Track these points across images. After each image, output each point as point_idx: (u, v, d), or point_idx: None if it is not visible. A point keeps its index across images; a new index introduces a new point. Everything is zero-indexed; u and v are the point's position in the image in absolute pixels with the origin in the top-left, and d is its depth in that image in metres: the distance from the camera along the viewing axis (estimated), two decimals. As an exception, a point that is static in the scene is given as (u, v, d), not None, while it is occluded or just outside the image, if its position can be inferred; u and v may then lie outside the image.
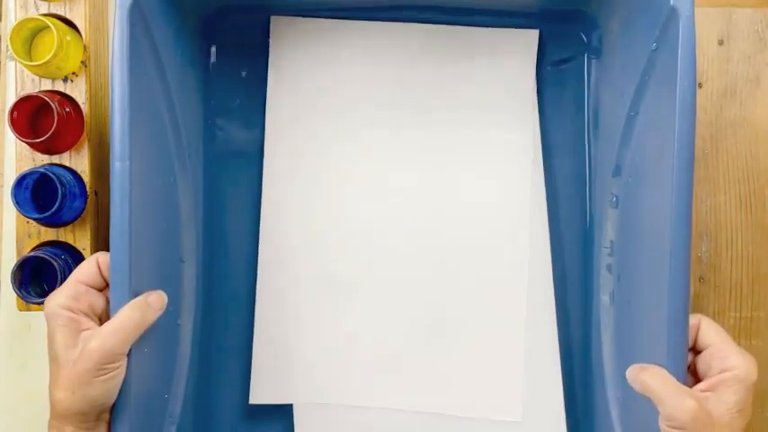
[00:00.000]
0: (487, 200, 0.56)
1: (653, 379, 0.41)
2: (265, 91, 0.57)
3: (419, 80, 0.56)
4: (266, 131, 0.56)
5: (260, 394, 0.55)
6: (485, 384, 0.55)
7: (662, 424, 0.41)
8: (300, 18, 0.56)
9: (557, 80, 0.57)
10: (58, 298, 0.43)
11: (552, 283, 0.56)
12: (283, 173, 0.56)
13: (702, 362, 0.43)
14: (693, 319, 0.43)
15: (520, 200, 0.56)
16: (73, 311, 0.42)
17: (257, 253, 0.56)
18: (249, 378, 0.56)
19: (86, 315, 0.43)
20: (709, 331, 0.43)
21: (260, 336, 0.55)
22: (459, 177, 0.56)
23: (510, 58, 0.56)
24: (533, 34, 0.56)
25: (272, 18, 0.56)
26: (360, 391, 0.55)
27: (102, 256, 0.44)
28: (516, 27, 0.56)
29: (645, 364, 0.43)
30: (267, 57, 0.57)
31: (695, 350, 0.44)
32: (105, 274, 0.44)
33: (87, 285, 0.44)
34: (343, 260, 0.56)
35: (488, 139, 0.56)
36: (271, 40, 0.56)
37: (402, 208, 0.56)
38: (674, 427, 0.40)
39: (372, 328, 0.55)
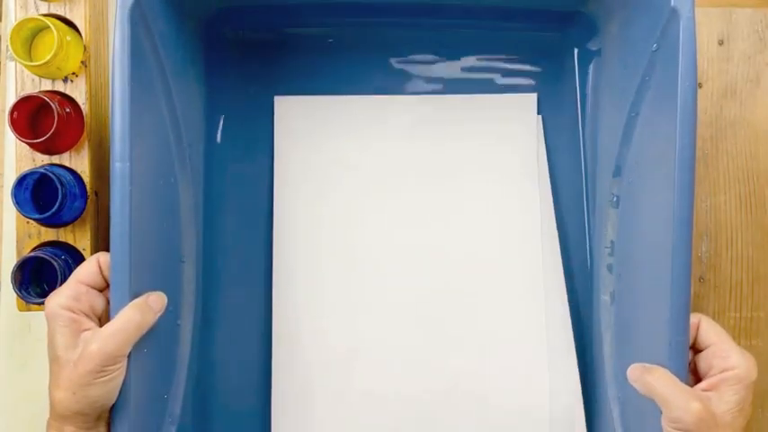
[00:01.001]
0: (497, 258, 0.56)
1: (657, 381, 0.41)
2: (266, 92, 0.57)
3: (422, 149, 0.57)
4: (275, 204, 0.56)
5: None
6: None
7: (666, 425, 0.41)
8: (303, 97, 0.57)
9: (556, 81, 0.57)
10: (59, 298, 0.43)
11: (574, 346, 0.55)
12: (294, 243, 0.56)
13: (703, 360, 0.43)
14: (693, 317, 0.43)
15: (531, 261, 0.56)
16: (73, 312, 0.42)
17: (257, 253, 0.56)
18: (249, 379, 0.56)
19: (87, 316, 0.43)
20: (709, 330, 0.43)
21: (277, 396, 0.55)
22: (469, 235, 0.56)
23: (510, 122, 0.57)
24: (531, 98, 0.57)
25: (276, 99, 0.57)
26: None
27: (103, 257, 0.44)
28: (516, 30, 0.57)
29: (647, 365, 0.44)
30: (268, 57, 0.57)
31: (695, 349, 0.44)
32: (106, 274, 0.44)
33: (88, 286, 0.44)
34: (356, 319, 0.56)
35: (495, 202, 0.56)
36: (275, 120, 0.57)
37: (412, 266, 0.56)
38: (679, 429, 0.40)
39: (391, 383, 0.55)
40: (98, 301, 0.44)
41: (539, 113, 0.57)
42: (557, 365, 0.55)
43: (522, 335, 0.55)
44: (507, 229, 0.56)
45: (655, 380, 0.42)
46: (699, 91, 0.58)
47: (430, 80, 0.58)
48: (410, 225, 0.56)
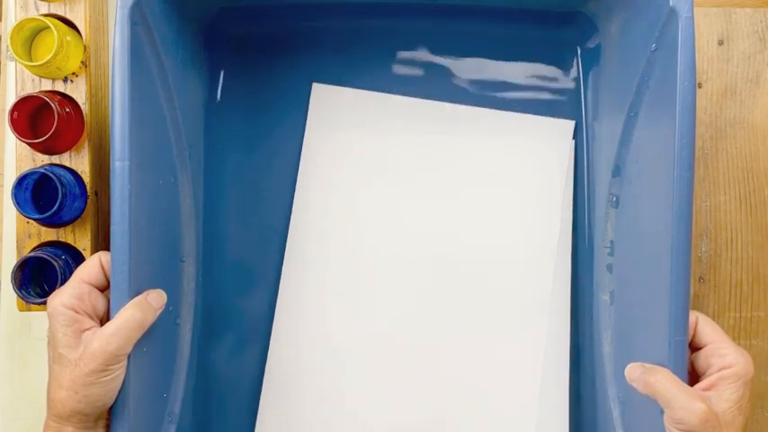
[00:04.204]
0: (506, 276, 0.56)
1: (659, 382, 0.41)
2: (266, 91, 0.57)
3: (451, 158, 0.57)
4: (296, 191, 0.56)
5: None
6: None
7: (669, 425, 0.41)
8: (341, 88, 0.57)
9: (556, 81, 0.57)
10: (62, 297, 0.43)
11: (569, 358, 0.56)
12: (309, 239, 0.56)
13: (701, 359, 0.43)
14: (691, 316, 0.43)
15: (539, 286, 0.56)
16: (76, 311, 0.42)
17: (257, 252, 0.56)
18: (249, 378, 0.56)
19: (89, 315, 0.43)
20: (706, 328, 0.44)
21: (266, 401, 0.55)
22: (482, 248, 0.56)
23: (545, 146, 0.56)
24: (569, 125, 0.56)
25: (314, 85, 0.57)
26: None
27: (105, 256, 0.44)
28: (516, 30, 0.57)
29: (646, 364, 0.44)
30: (269, 58, 0.57)
31: (692, 347, 0.44)
32: (108, 273, 0.44)
33: (91, 285, 0.44)
34: (358, 324, 0.56)
35: (515, 220, 0.56)
36: (310, 106, 0.57)
37: (423, 273, 0.56)
38: (683, 430, 0.40)
39: (386, 383, 0.55)
40: (100, 302, 0.44)
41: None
42: (549, 377, 0.55)
43: (518, 355, 0.56)
44: (521, 248, 0.56)
45: (657, 381, 0.42)
46: (699, 91, 0.58)
47: (425, 80, 0.58)
48: (426, 233, 0.56)
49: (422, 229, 0.56)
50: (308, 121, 0.57)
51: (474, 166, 0.57)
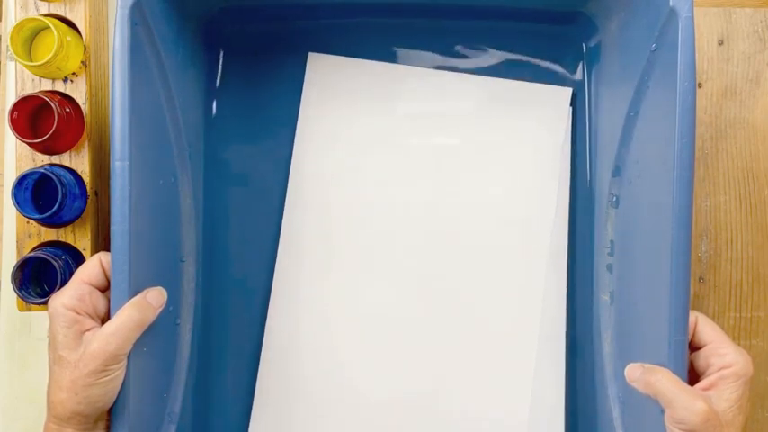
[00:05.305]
0: (503, 250, 0.56)
1: (660, 382, 0.42)
2: (266, 91, 0.57)
3: (449, 126, 0.56)
4: (292, 163, 0.56)
5: None
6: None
7: (670, 425, 0.41)
8: (337, 57, 0.57)
9: (555, 80, 0.57)
10: (62, 298, 0.43)
11: (564, 340, 0.55)
12: (306, 208, 0.56)
13: (701, 359, 0.43)
14: (691, 316, 0.43)
15: (535, 258, 0.56)
16: (77, 312, 0.42)
17: (257, 253, 0.56)
18: (249, 378, 0.56)
19: (90, 316, 0.43)
20: (706, 328, 0.44)
21: (262, 386, 0.55)
22: (480, 220, 0.56)
23: (543, 112, 0.56)
24: (567, 92, 0.56)
25: (310, 55, 0.57)
26: None
27: (105, 256, 0.44)
28: (515, 29, 0.57)
29: (646, 364, 0.44)
30: (269, 58, 0.57)
31: (691, 347, 0.44)
32: (109, 273, 0.44)
33: (91, 285, 0.44)
34: (356, 309, 0.56)
35: (513, 188, 0.56)
36: (306, 75, 0.57)
37: (419, 248, 0.56)
38: (684, 430, 0.40)
39: (381, 377, 0.55)
40: (101, 302, 0.44)
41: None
42: (543, 371, 0.55)
43: (513, 336, 0.55)
44: (519, 217, 0.56)
45: (657, 380, 0.42)
46: (699, 91, 0.58)
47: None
48: (424, 206, 0.56)
49: (420, 202, 0.56)
50: (303, 92, 0.57)
51: (472, 133, 0.56)
